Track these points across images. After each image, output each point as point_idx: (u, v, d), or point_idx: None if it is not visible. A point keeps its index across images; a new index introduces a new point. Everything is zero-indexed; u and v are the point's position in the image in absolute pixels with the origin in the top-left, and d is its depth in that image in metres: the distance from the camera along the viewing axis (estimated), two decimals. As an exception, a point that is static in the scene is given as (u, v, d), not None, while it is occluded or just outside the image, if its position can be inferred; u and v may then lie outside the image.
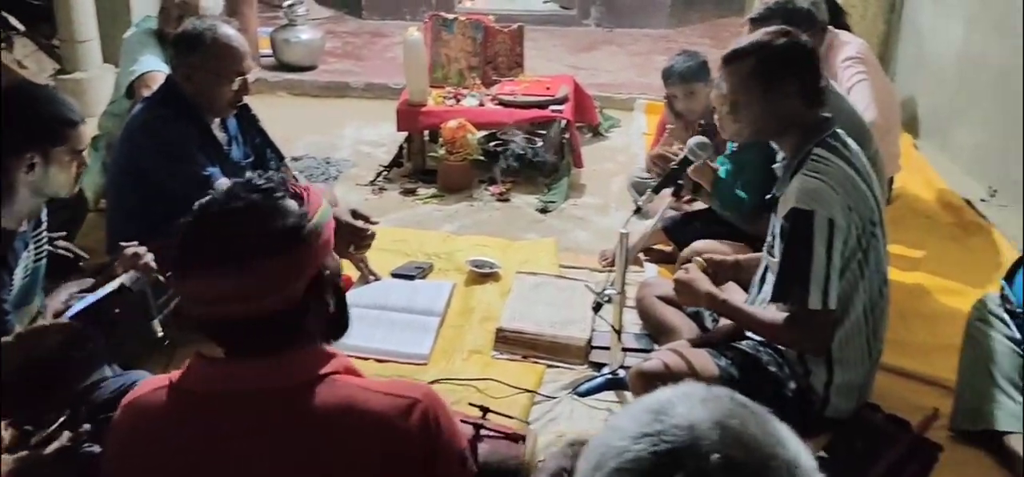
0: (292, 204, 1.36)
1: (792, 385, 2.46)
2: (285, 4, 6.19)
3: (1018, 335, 2.46)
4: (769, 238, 2.50)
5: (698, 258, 2.65)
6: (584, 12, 7.55)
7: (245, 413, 1.33)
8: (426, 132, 4.58)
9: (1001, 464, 2.43)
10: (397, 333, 3.03)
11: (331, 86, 6.04)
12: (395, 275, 3.41)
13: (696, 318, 2.89)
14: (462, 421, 1.41)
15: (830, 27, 3.96)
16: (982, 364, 2.52)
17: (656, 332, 2.99)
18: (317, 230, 1.38)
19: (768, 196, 2.52)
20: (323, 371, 1.35)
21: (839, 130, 2.42)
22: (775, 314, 2.37)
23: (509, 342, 3.01)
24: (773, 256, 2.42)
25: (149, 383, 1.43)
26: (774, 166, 2.52)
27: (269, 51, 6.19)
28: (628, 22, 7.42)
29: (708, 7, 7.89)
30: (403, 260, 3.52)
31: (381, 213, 3.80)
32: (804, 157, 2.36)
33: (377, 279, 3.29)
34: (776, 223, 2.43)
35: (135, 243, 2.30)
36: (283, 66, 6.15)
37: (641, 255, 3.58)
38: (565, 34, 7.27)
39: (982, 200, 4.06)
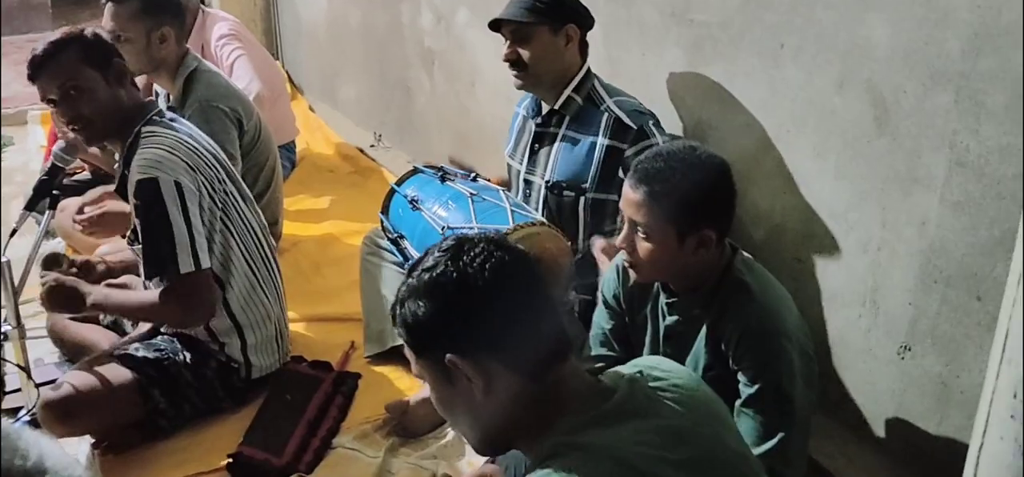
0: None
1: (212, 363, 2.53)
2: None
3: (400, 258, 2.78)
4: (130, 234, 2.50)
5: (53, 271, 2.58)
6: (-55, 23, 6.64)
7: None
8: None
9: (408, 372, 2.77)
10: None
11: None
12: None
13: (115, 327, 2.80)
14: None
15: (202, 6, 4.03)
16: (377, 291, 2.82)
17: (74, 355, 2.81)
18: None
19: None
20: None
21: (170, 114, 2.50)
22: (154, 295, 2.38)
23: None
24: (137, 247, 2.41)
25: None
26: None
27: None
28: (8, 29, 6.71)
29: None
30: None
31: None
32: (134, 140, 2.39)
33: None
34: (132, 212, 2.43)
35: None
36: None
37: None
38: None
39: (371, 146, 4.53)
